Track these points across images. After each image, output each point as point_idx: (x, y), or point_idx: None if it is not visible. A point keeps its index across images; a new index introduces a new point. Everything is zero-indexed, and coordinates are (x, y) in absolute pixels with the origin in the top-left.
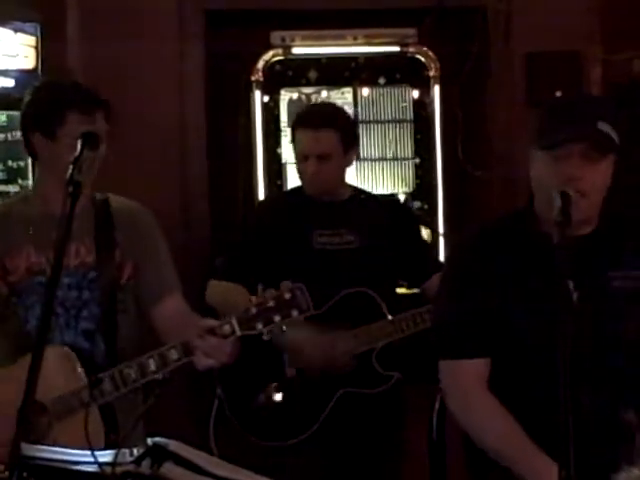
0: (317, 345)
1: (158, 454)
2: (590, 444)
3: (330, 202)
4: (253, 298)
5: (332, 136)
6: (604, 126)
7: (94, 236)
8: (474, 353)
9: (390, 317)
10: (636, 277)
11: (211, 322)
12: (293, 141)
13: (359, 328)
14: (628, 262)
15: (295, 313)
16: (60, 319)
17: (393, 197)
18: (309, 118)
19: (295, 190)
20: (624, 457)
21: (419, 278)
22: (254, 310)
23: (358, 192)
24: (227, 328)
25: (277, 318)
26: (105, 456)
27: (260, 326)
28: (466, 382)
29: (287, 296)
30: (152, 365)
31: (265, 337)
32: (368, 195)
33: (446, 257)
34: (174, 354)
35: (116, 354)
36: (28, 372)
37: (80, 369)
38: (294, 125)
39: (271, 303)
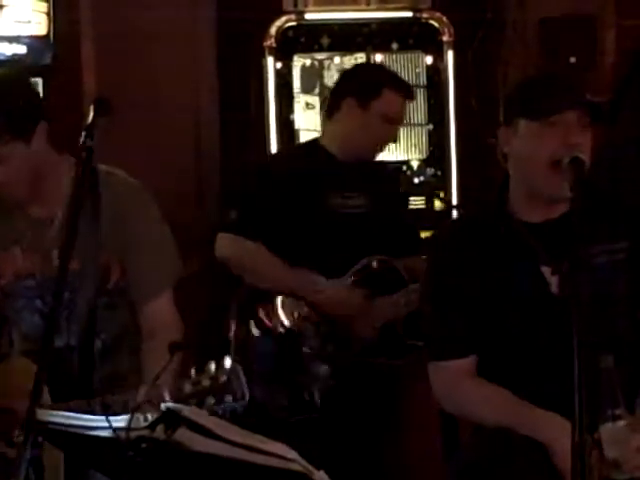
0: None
1: (172, 419)
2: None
3: (349, 163)
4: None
5: None
6: (589, 97)
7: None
8: (462, 353)
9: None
10: (613, 250)
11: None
12: (371, 97)
13: (381, 297)
14: (603, 237)
15: (229, 399)
16: None
17: (386, 164)
18: (406, 86)
19: (308, 146)
20: (607, 401)
21: (395, 253)
22: (188, 388)
23: None
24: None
25: (211, 401)
26: (119, 421)
27: (194, 403)
28: (457, 378)
29: (222, 379)
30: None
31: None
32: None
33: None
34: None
35: (93, 364)
36: (35, 374)
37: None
38: (383, 84)
39: (206, 383)
